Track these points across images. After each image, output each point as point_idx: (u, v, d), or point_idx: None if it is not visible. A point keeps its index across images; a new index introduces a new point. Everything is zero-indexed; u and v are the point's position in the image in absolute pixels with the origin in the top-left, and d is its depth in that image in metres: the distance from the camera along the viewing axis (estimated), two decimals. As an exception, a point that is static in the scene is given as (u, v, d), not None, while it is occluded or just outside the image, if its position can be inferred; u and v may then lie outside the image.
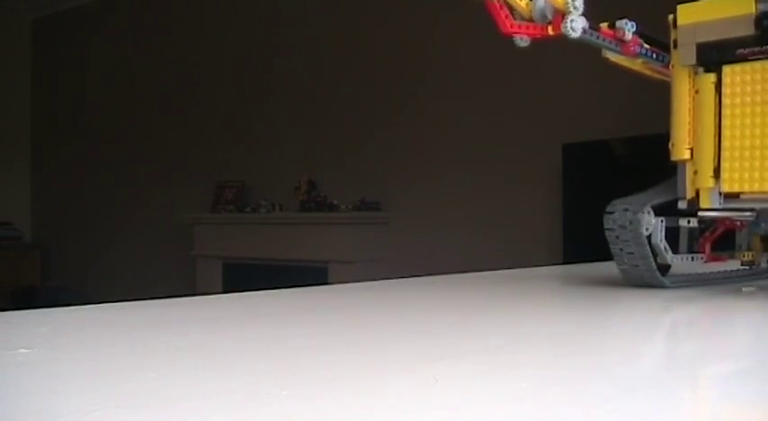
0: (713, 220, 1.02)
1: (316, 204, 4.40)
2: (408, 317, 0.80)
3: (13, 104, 6.11)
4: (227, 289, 4.40)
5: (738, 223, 1.02)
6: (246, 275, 4.60)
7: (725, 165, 0.90)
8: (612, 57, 0.92)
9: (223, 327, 0.75)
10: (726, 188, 0.90)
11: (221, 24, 4.99)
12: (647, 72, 0.95)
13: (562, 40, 0.77)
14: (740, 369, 0.51)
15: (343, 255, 4.17)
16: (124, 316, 0.82)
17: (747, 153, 0.89)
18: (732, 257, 1.09)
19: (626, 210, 0.96)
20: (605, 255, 1.02)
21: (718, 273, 1.07)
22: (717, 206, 0.92)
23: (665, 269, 1.00)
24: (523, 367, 0.51)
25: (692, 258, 1.04)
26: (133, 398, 0.46)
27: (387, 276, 1.23)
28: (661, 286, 0.98)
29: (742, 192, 0.90)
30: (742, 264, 1.09)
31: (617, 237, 0.97)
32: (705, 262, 1.05)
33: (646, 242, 0.95)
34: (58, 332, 0.71)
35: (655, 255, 0.96)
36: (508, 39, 0.78)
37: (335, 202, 4.35)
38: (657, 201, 0.97)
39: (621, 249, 0.97)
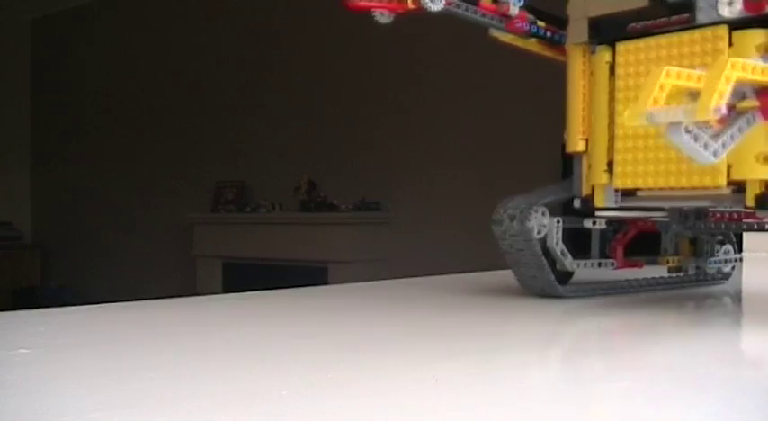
0: (624, 221, 0.91)
1: (316, 204, 4.40)
2: (407, 317, 0.80)
3: (13, 104, 6.11)
4: (227, 289, 4.40)
5: (652, 224, 0.92)
6: (246, 275, 4.60)
7: (617, 157, 0.78)
8: (500, 36, 0.81)
9: (223, 328, 0.75)
10: (618, 184, 0.78)
11: (221, 24, 4.99)
12: (548, 53, 0.84)
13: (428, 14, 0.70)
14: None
15: (343, 255, 4.17)
16: (124, 316, 0.82)
17: (641, 143, 0.76)
18: (656, 263, 0.98)
19: (516, 208, 0.85)
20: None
21: (629, 281, 0.94)
22: (612, 205, 0.80)
23: (566, 276, 0.89)
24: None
25: (600, 264, 0.92)
26: (133, 398, 0.47)
27: (387, 276, 1.24)
28: (558, 296, 0.86)
29: (637, 189, 0.78)
30: (669, 271, 0.99)
31: (506, 239, 0.85)
32: (616, 268, 0.93)
33: (538, 245, 0.83)
34: (57, 332, 0.71)
35: (555, 260, 0.86)
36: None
37: (335, 202, 4.35)
38: (551, 198, 0.85)
39: (513, 253, 0.86)
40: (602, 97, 0.79)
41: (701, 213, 0.83)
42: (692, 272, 1.00)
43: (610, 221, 0.89)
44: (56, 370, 0.54)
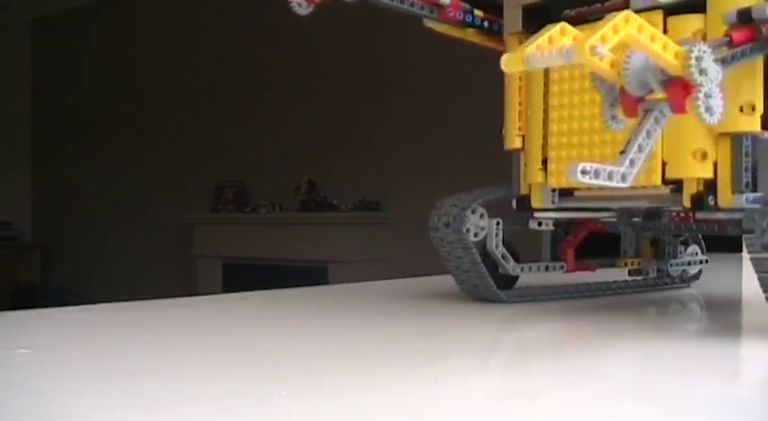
0: (573, 222, 0.86)
1: (316, 204, 4.39)
2: (402, 318, 0.79)
3: (13, 104, 6.10)
4: (227, 289, 4.40)
5: (602, 225, 0.87)
6: (246, 275, 4.59)
7: (551, 155, 0.74)
8: (435, 26, 0.76)
9: (223, 328, 0.75)
10: (552, 183, 0.74)
11: (222, 24, 4.98)
12: (489, 44, 0.79)
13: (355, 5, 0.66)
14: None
15: (343, 255, 4.17)
16: (124, 316, 0.82)
17: (575, 140, 0.72)
18: (614, 266, 0.93)
19: (453, 207, 0.81)
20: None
21: (583, 285, 0.89)
22: (549, 205, 0.76)
23: (511, 280, 0.85)
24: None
25: (548, 268, 0.87)
26: (133, 398, 0.47)
27: (387, 276, 1.23)
28: (498, 301, 0.82)
29: (574, 189, 0.74)
30: (630, 274, 0.94)
31: (442, 240, 0.81)
32: (567, 271, 0.88)
33: (473, 247, 0.79)
34: (58, 332, 0.71)
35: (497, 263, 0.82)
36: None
37: (335, 202, 4.35)
38: (488, 198, 0.81)
39: (452, 260, 0.82)
40: (537, 90, 0.75)
41: (653, 213, 0.79)
42: (653, 274, 0.95)
43: (558, 223, 0.85)
44: (56, 370, 0.54)
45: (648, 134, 0.51)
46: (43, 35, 6.21)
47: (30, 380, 0.51)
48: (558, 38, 0.50)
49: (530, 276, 0.85)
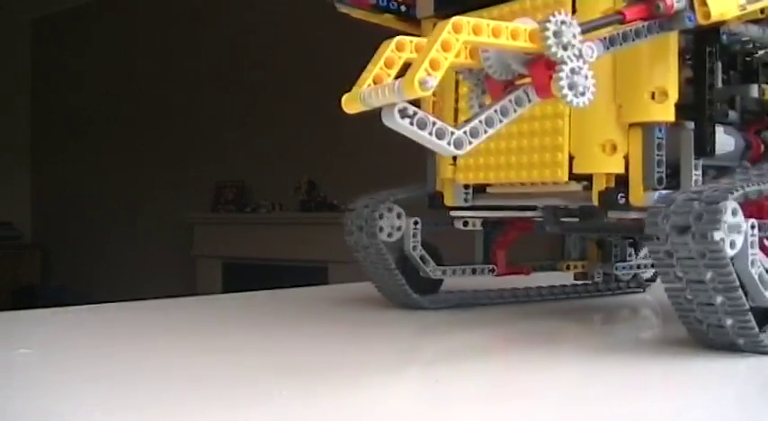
0: (501, 222, 0.80)
1: (316, 204, 4.39)
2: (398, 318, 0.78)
3: (13, 104, 6.08)
4: (227, 289, 4.40)
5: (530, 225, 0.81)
6: (246, 275, 4.58)
7: None
8: (350, 11, 0.73)
9: (222, 328, 0.75)
10: (461, 178, 0.70)
11: (221, 24, 4.97)
12: (409, 31, 0.74)
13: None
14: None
15: (343, 256, 4.13)
16: (124, 316, 0.82)
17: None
18: (555, 269, 0.87)
19: (365, 208, 0.77)
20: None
21: (515, 290, 0.83)
22: (462, 203, 0.71)
23: (434, 284, 0.79)
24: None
25: (475, 271, 0.81)
26: (133, 398, 0.47)
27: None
28: (418, 307, 0.77)
29: (485, 185, 0.69)
30: (575, 278, 0.88)
31: (357, 244, 0.77)
32: (497, 275, 0.82)
33: (385, 249, 0.74)
34: (58, 332, 0.71)
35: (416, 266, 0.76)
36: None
37: (335, 202, 4.34)
38: (403, 196, 0.76)
39: (367, 265, 0.77)
40: (449, 80, 0.70)
41: (586, 212, 0.73)
42: (598, 278, 0.89)
43: (485, 222, 0.79)
44: (56, 370, 0.54)
45: (504, 111, 0.45)
46: (43, 35, 6.19)
47: (30, 381, 0.51)
48: (397, 58, 0.45)
49: (464, 280, 0.79)
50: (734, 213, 0.56)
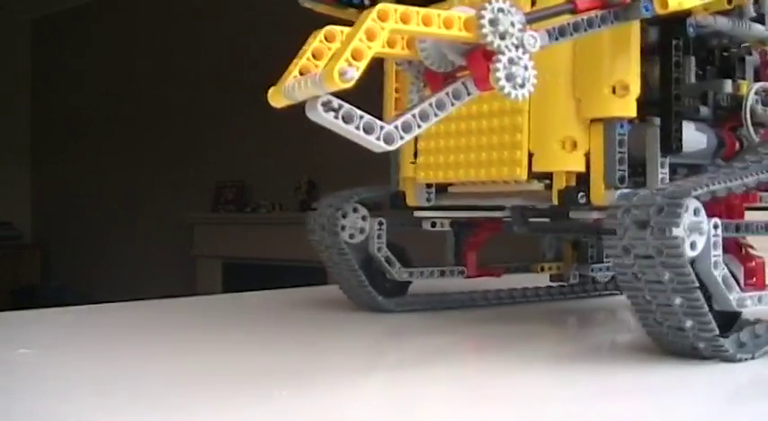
0: (471, 222, 0.79)
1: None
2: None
3: (13, 104, 6.09)
4: (227, 289, 4.40)
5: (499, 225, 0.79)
6: (246, 275, 4.59)
7: (420, 145, 0.68)
8: (313, 6, 0.72)
9: (222, 328, 0.74)
10: (421, 177, 0.68)
11: (221, 24, 4.97)
12: None
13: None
14: None
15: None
16: (124, 316, 0.82)
17: (443, 128, 0.65)
18: (529, 271, 0.85)
19: (328, 207, 0.76)
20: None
21: (486, 293, 0.80)
22: (424, 203, 0.69)
23: (402, 286, 0.77)
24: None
25: (443, 273, 0.79)
26: (133, 398, 0.46)
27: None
28: (384, 310, 0.75)
29: (448, 184, 0.67)
30: (551, 280, 0.86)
31: (320, 244, 0.76)
32: (467, 277, 0.80)
33: (347, 249, 0.73)
34: (58, 332, 0.71)
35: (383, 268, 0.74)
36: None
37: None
38: (366, 196, 0.75)
39: (332, 266, 0.76)
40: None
41: (554, 212, 0.71)
42: (574, 280, 0.86)
43: (454, 223, 0.77)
44: (56, 370, 0.54)
45: (440, 105, 0.43)
46: (43, 35, 6.20)
47: (30, 381, 0.51)
48: (326, 49, 0.43)
49: (434, 282, 0.77)
50: (696, 212, 0.54)
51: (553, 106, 0.57)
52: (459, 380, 0.54)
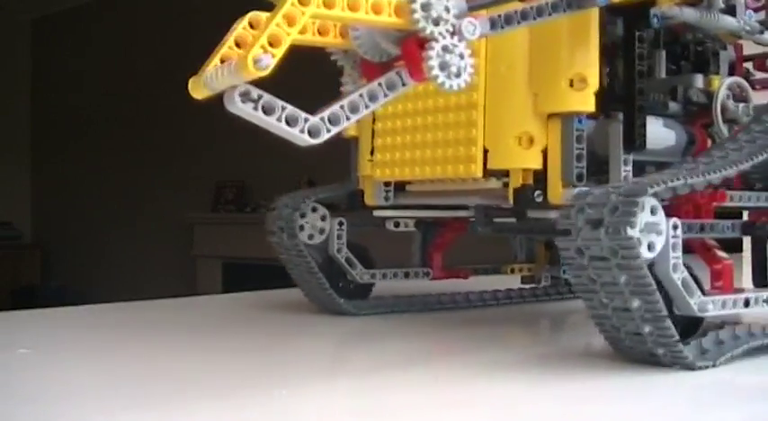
0: (436, 222, 0.76)
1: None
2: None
3: (13, 104, 6.11)
4: (227, 289, 4.40)
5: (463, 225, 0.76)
6: (246, 275, 4.57)
7: (377, 142, 0.66)
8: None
9: (223, 328, 0.73)
10: (377, 174, 0.66)
11: (221, 24, 4.96)
12: None
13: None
14: None
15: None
16: (124, 316, 0.81)
17: (399, 124, 0.63)
18: (499, 272, 0.83)
19: (285, 208, 0.74)
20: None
21: (453, 295, 0.78)
22: (382, 202, 0.67)
23: (365, 289, 0.75)
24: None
25: (407, 274, 0.77)
26: (133, 398, 0.46)
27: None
28: (344, 312, 0.73)
29: (405, 183, 0.66)
30: (522, 282, 0.84)
31: (280, 245, 0.74)
32: (433, 279, 0.78)
33: (306, 251, 0.72)
34: (58, 332, 0.70)
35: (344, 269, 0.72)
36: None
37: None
38: (325, 195, 0.73)
39: (292, 268, 0.74)
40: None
41: (516, 211, 0.68)
42: (546, 282, 0.84)
43: (419, 223, 0.75)
44: (56, 370, 0.54)
45: (372, 96, 0.41)
46: (43, 35, 6.21)
47: (30, 381, 0.50)
48: (250, 36, 0.41)
49: (400, 284, 0.75)
50: (653, 211, 0.52)
51: (509, 100, 0.55)
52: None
